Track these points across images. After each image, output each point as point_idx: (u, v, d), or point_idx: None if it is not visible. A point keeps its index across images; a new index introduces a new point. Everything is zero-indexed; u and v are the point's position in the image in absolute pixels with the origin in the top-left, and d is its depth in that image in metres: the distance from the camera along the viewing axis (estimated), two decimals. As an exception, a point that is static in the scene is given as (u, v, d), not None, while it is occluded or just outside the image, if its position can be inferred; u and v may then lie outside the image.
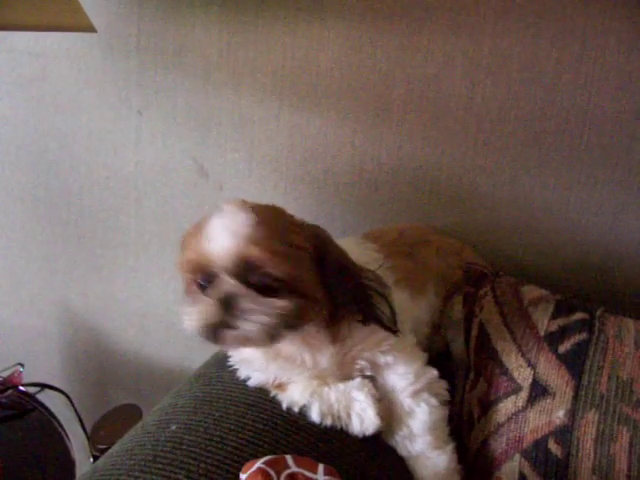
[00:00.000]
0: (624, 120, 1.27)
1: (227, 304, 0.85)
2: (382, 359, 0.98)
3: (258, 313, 0.84)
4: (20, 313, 1.93)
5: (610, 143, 1.28)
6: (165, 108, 1.58)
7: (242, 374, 1.01)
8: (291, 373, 0.97)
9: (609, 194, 1.31)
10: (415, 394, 0.98)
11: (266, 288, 0.86)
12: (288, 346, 0.95)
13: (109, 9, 1.55)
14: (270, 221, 0.89)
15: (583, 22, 1.24)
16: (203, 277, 0.88)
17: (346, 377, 0.98)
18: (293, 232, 0.90)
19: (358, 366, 0.99)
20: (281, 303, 0.85)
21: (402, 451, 0.98)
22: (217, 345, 0.92)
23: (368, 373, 0.99)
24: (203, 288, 0.89)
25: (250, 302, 0.84)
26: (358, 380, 0.97)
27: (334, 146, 1.46)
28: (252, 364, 1.00)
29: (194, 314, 0.87)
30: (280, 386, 0.98)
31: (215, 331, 0.86)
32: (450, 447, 0.99)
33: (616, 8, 1.22)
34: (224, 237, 0.85)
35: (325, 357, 0.96)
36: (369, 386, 0.96)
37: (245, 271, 0.85)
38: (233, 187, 1.58)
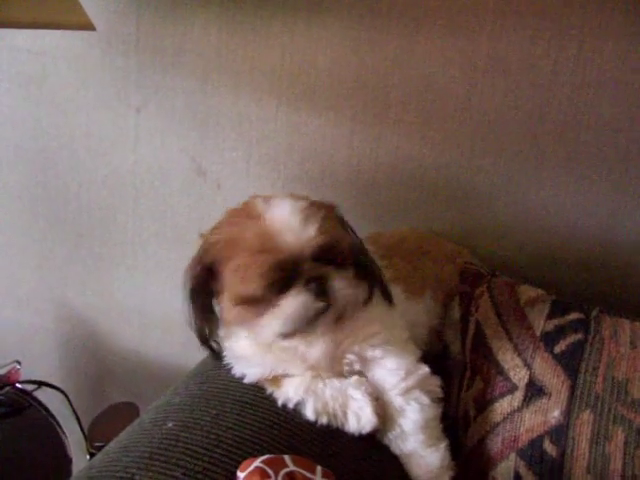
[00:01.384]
0: (621, 122, 1.27)
1: (320, 288, 0.88)
2: (370, 353, 0.98)
3: (346, 287, 0.90)
4: (18, 310, 1.93)
5: (606, 145, 1.29)
6: (164, 107, 1.58)
7: (237, 372, 1.00)
8: (287, 364, 0.97)
9: (605, 195, 1.31)
10: (406, 392, 0.96)
11: (337, 264, 0.92)
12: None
13: (109, 8, 1.55)
14: (319, 207, 0.93)
15: (580, 24, 1.25)
16: (283, 274, 0.88)
17: (338, 373, 0.98)
18: (333, 219, 0.96)
19: (347, 360, 0.98)
20: (352, 271, 0.94)
21: (395, 450, 0.98)
22: (310, 332, 0.93)
23: (357, 368, 0.98)
24: (278, 288, 0.89)
25: (337, 279, 0.90)
26: (355, 378, 0.97)
27: (332, 146, 1.46)
28: (249, 359, 0.99)
29: (283, 315, 0.89)
30: (275, 380, 0.97)
31: (314, 319, 0.90)
32: (443, 445, 0.98)
33: (614, 10, 1.22)
34: (300, 226, 0.88)
35: (318, 345, 0.96)
36: (366, 384, 0.96)
37: (325, 253, 0.90)
38: (231, 186, 1.58)
